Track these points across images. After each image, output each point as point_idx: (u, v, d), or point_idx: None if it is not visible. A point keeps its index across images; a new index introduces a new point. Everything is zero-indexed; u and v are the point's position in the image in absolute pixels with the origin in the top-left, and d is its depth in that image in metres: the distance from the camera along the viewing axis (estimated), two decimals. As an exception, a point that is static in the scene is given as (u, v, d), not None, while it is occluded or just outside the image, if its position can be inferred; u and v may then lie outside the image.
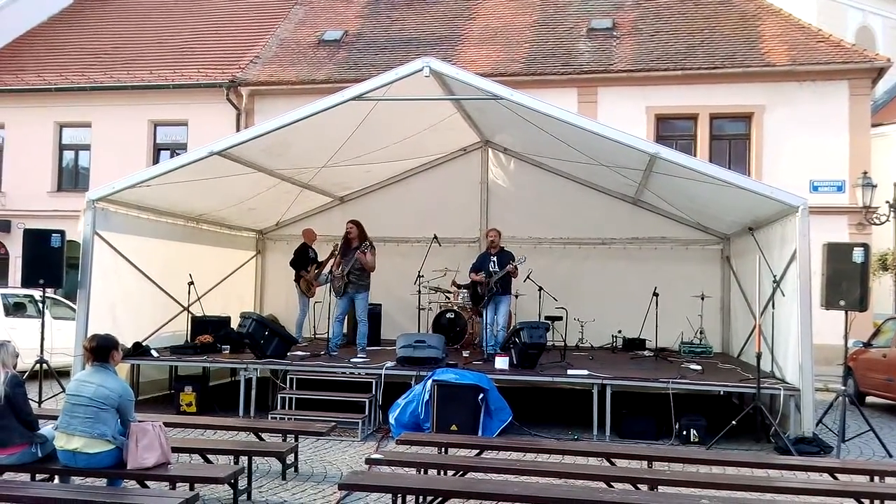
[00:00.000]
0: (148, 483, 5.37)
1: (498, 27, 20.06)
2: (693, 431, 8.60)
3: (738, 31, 18.39)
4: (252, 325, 9.87)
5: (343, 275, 10.30)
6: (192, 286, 11.20)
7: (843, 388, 8.87)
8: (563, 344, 11.50)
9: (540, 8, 20.58)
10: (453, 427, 8.37)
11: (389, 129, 10.84)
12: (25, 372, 9.91)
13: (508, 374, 9.45)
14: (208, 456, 6.34)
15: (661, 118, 18.00)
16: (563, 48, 18.84)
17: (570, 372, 9.28)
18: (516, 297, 12.34)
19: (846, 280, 8.29)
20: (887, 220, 17.77)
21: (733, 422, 8.31)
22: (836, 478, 6.12)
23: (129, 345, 9.76)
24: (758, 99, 17.26)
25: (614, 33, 19.08)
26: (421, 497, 5.70)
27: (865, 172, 16.58)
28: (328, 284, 11.01)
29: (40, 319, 10.29)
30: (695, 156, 15.72)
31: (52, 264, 9.66)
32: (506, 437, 8.40)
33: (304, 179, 12.18)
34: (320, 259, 12.23)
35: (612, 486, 5.63)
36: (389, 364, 9.43)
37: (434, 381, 8.58)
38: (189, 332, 11.22)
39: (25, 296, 13.18)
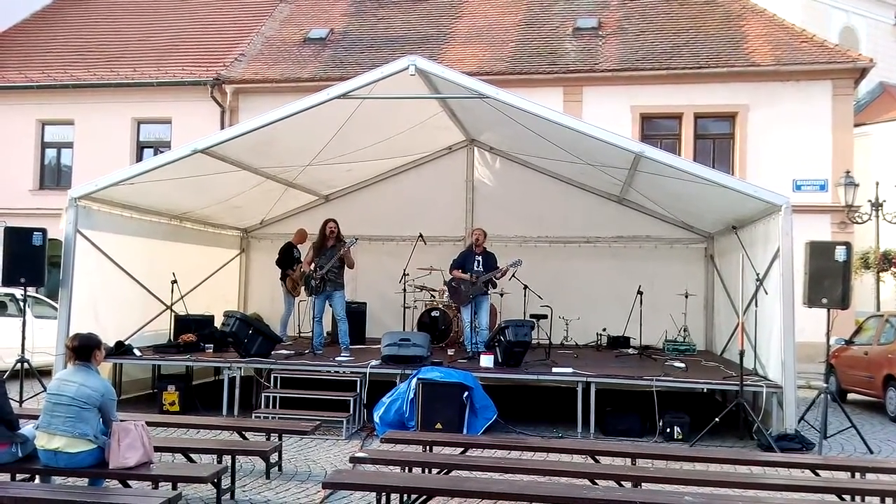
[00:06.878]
0: (130, 483, 5.34)
1: (484, 26, 20.05)
2: (676, 428, 8.64)
3: (722, 30, 18.49)
4: (236, 324, 9.82)
5: (323, 273, 10.26)
6: (175, 285, 11.14)
7: (825, 385, 8.95)
8: (548, 342, 11.54)
9: (526, 7, 20.59)
10: (438, 425, 8.36)
11: (375, 127, 10.81)
12: (6, 371, 9.88)
13: (493, 373, 9.46)
14: (191, 455, 6.30)
15: (646, 117, 18.05)
16: (549, 47, 18.86)
17: (554, 370, 9.30)
18: (501, 295, 12.37)
19: (828, 278, 8.35)
20: (869, 218, 17.91)
21: (716, 419, 8.35)
22: (817, 474, 6.17)
23: (111, 344, 9.69)
24: (742, 98, 17.34)
25: (600, 33, 19.13)
26: (405, 495, 5.69)
27: (848, 172, 16.69)
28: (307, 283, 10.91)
29: (22, 318, 10.20)
30: (679, 155, 15.79)
31: (33, 263, 9.58)
32: (490, 435, 8.40)
33: (289, 178, 12.13)
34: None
35: (596, 484, 5.64)
36: (374, 362, 9.41)
37: (419, 379, 8.58)
38: (172, 331, 11.15)
39: (7, 294, 13.04)
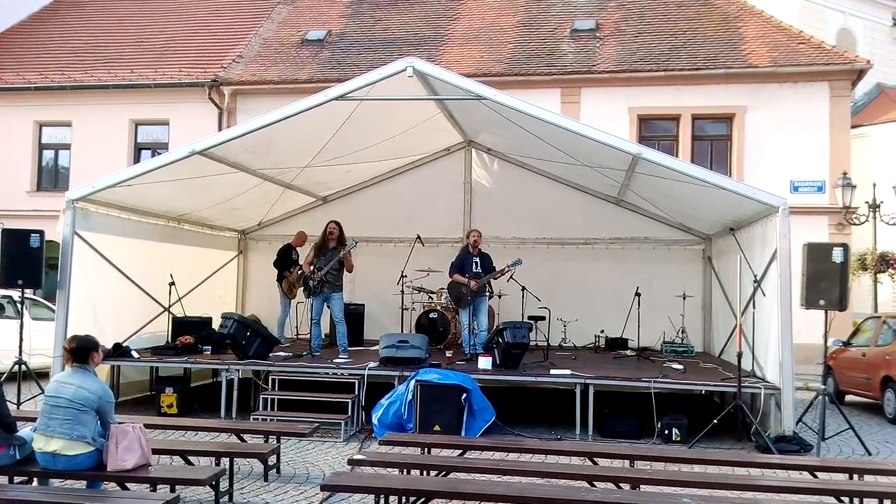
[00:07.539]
0: (128, 485, 5.32)
1: (482, 28, 20.07)
2: (675, 430, 8.64)
3: (720, 32, 18.51)
4: (234, 326, 9.81)
5: (321, 274, 10.25)
6: (173, 286, 11.12)
7: (822, 386, 8.96)
8: (546, 344, 11.53)
9: (524, 9, 20.61)
10: (436, 427, 8.36)
11: (373, 129, 10.82)
12: (4, 373, 9.86)
13: (491, 374, 9.45)
14: (189, 457, 6.29)
15: (643, 119, 18.07)
16: (547, 49, 18.88)
17: (552, 372, 9.30)
18: (499, 296, 12.36)
19: (826, 280, 8.35)
20: (866, 220, 17.92)
21: (714, 421, 8.35)
22: (816, 476, 6.17)
23: (109, 346, 9.67)
24: (739, 100, 17.37)
25: (597, 34, 19.14)
26: (404, 498, 5.69)
27: (845, 173, 16.72)
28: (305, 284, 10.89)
29: (19, 320, 10.18)
30: (677, 156, 15.81)
31: (31, 265, 9.57)
32: (489, 437, 8.40)
33: (287, 179, 12.12)
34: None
35: (594, 486, 5.65)
36: (372, 364, 9.41)
37: (417, 381, 8.58)
38: (170, 333, 11.13)
39: (4, 297, 13.01)
